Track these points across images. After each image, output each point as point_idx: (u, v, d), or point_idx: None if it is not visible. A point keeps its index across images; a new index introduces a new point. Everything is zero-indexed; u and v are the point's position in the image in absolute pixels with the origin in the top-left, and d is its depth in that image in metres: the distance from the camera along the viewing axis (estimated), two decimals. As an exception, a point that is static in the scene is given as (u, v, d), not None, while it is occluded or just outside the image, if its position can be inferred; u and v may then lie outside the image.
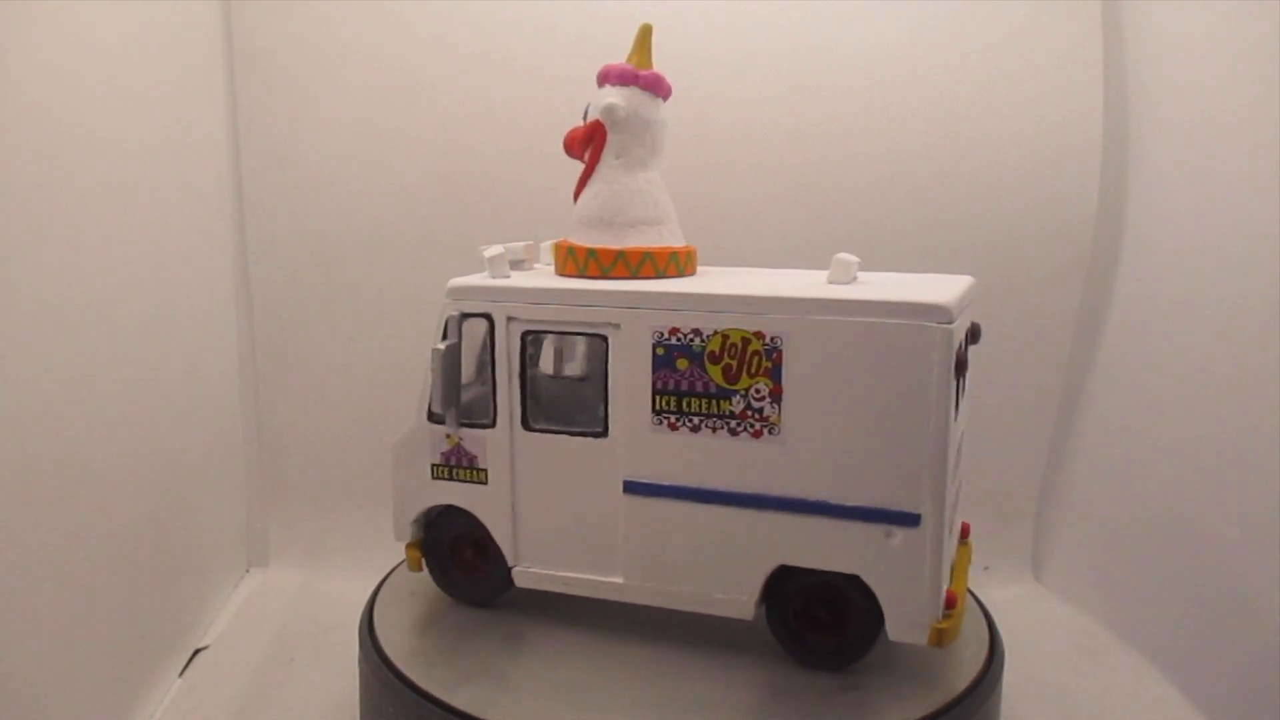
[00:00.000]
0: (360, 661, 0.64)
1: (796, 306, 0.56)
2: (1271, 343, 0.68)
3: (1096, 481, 0.91)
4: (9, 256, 0.58)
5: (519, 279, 0.63)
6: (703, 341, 0.58)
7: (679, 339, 0.58)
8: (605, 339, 0.59)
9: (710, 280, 0.62)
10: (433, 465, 0.65)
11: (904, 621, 0.57)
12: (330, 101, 0.89)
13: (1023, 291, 0.91)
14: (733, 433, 0.58)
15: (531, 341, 0.62)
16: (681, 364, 0.58)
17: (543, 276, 0.64)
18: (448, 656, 0.61)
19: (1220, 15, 0.76)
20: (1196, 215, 0.79)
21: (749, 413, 0.57)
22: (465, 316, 0.62)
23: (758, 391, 0.57)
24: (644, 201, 0.63)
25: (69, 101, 0.65)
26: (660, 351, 0.58)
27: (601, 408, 0.60)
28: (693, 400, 0.58)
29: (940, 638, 0.56)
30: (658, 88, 0.64)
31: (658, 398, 0.59)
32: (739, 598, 0.59)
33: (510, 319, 0.61)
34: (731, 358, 0.57)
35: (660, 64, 0.64)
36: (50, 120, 0.63)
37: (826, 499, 0.57)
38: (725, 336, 0.57)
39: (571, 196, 0.65)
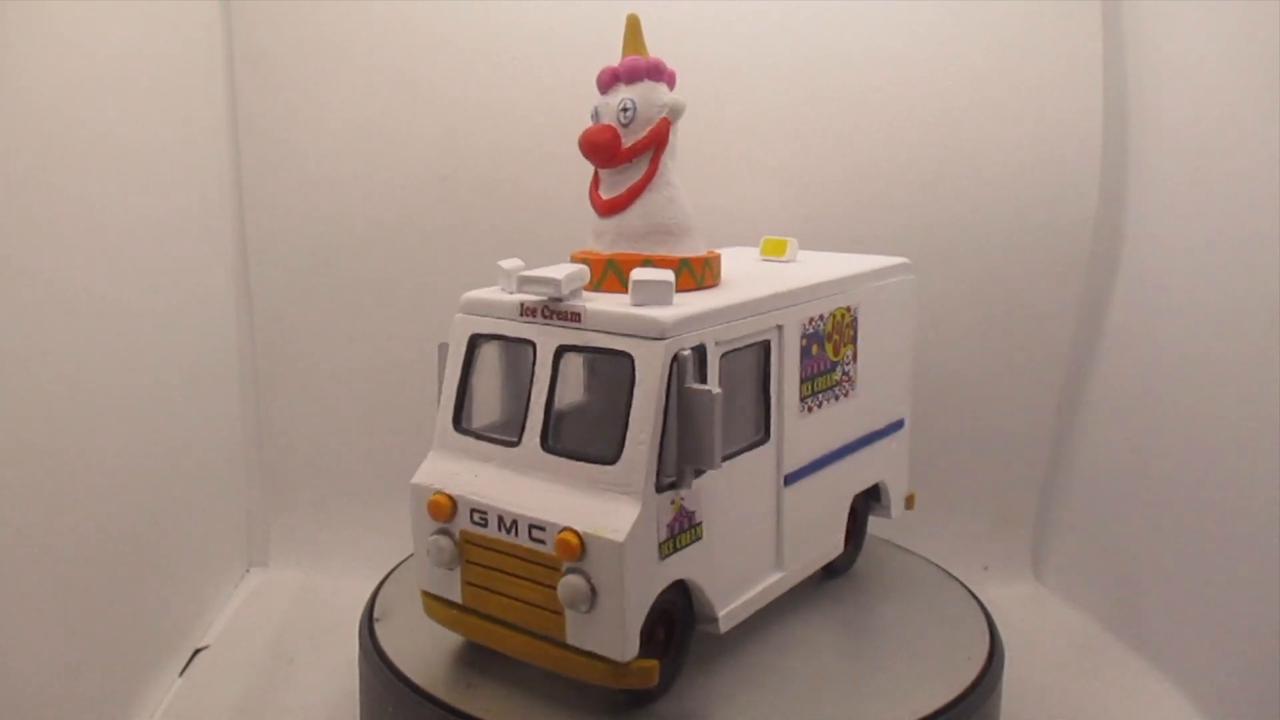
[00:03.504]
0: (360, 661, 0.64)
1: (869, 278, 0.68)
2: (1272, 341, 0.68)
3: (1097, 481, 0.91)
4: (9, 255, 0.58)
5: (697, 300, 0.56)
6: (824, 325, 0.63)
7: (814, 327, 0.62)
8: (767, 343, 0.59)
9: (793, 270, 0.67)
10: (660, 544, 0.52)
11: (895, 501, 0.74)
12: (330, 101, 0.89)
13: (1022, 290, 0.91)
14: (836, 398, 0.65)
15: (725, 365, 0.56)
16: (815, 349, 0.63)
17: (702, 296, 0.57)
18: (448, 656, 0.61)
19: (1220, 15, 0.76)
20: (1196, 214, 0.79)
21: (844, 377, 0.66)
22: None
23: (848, 357, 0.66)
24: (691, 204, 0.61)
25: (69, 101, 0.65)
26: (804, 343, 0.62)
27: (762, 412, 0.59)
28: (819, 379, 0.64)
29: (912, 500, 0.75)
30: (674, 80, 0.60)
31: (803, 385, 0.62)
32: (839, 536, 0.69)
33: (717, 343, 0.55)
34: (837, 333, 0.65)
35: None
36: (50, 120, 0.63)
37: (875, 429, 0.70)
38: (834, 316, 0.64)
39: (591, 200, 0.60)
